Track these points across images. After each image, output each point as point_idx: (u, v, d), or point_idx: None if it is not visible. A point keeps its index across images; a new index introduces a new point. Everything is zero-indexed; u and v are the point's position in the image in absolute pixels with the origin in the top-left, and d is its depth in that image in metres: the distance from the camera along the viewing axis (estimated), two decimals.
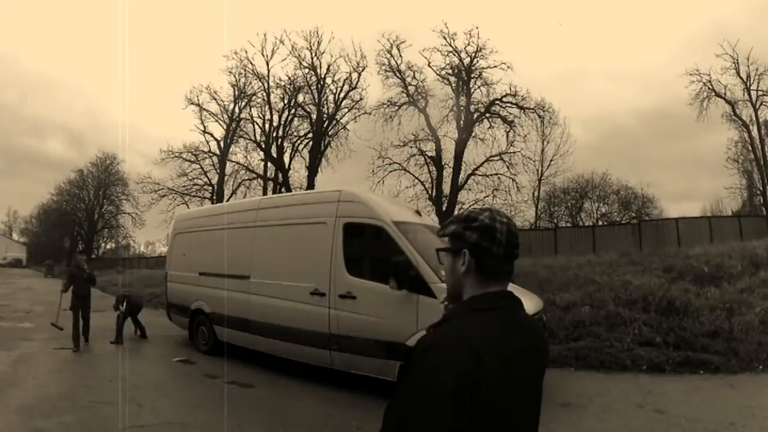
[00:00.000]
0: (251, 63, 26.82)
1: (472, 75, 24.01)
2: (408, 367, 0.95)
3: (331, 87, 26.63)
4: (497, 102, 23.76)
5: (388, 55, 24.51)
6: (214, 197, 28.13)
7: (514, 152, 23.60)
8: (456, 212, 23.99)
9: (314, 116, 26.86)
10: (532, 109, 23.46)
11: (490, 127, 23.97)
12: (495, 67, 23.35)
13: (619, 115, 40.55)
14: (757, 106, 23.99)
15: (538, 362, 1.07)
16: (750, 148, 24.92)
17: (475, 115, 24.08)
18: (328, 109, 26.76)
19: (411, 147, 24.28)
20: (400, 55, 24.54)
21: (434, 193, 24.22)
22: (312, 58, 26.21)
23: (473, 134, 23.99)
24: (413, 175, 24.42)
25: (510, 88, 23.31)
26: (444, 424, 0.86)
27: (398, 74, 24.59)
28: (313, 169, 26.57)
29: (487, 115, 24.00)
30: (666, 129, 38.25)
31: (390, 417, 0.94)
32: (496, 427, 0.93)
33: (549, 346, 1.29)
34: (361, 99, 26.18)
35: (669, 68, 38.77)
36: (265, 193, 26.56)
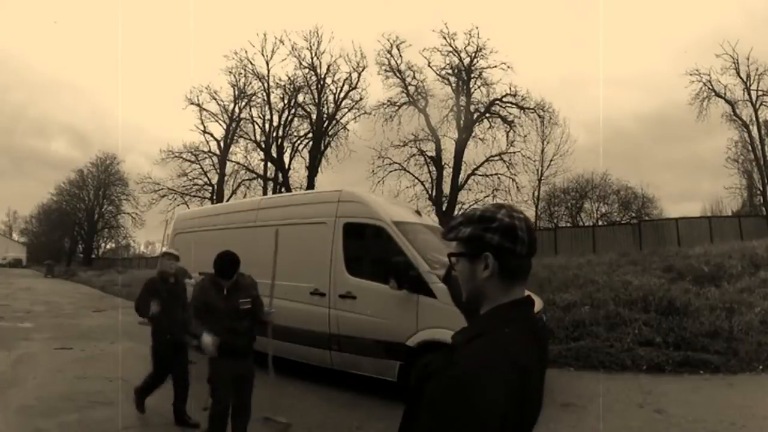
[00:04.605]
0: (251, 63, 26.89)
1: (472, 75, 24.04)
2: (451, 388, 0.86)
3: (331, 87, 26.72)
4: (497, 102, 23.78)
5: (388, 55, 24.57)
6: (214, 197, 28.13)
7: (514, 152, 23.64)
8: (456, 212, 24.04)
9: (314, 116, 26.88)
10: (532, 109, 23.50)
11: (490, 127, 24.02)
12: (495, 67, 23.41)
13: (621, 118, 40.63)
14: (757, 106, 23.99)
15: (545, 365, 1.06)
16: (750, 148, 24.93)
17: (475, 115, 24.09)
18: (328, 109, 26.82)
19: (411, 147, 24.34)
20: (400, 55, 24.61)
21: (434, 193, 24.22)
22: (312, 58, 26.28)
23: (473, 134, 24.03)
24: (413, 175, 24.48)
25: (510, 88, 23.37)
26: None
27: (398, 74, 24.64)
28: (313, 169, 26.58)
29: (487, 115, 24.02)
30: (666, 132, 38.39)
31: None
32: None
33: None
34: (361, 99, 26.27)
35: (670, 73, 38.82)
36: (265, 193, 26.56)
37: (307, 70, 26.42)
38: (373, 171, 24.48)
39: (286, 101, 27.22)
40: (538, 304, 5.35)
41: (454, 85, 24.44)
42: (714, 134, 39.15)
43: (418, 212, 6.44)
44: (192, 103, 27.91)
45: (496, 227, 0.99)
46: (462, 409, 0.83)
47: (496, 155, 23.75)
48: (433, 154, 24.29)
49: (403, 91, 24.70)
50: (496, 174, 23.68)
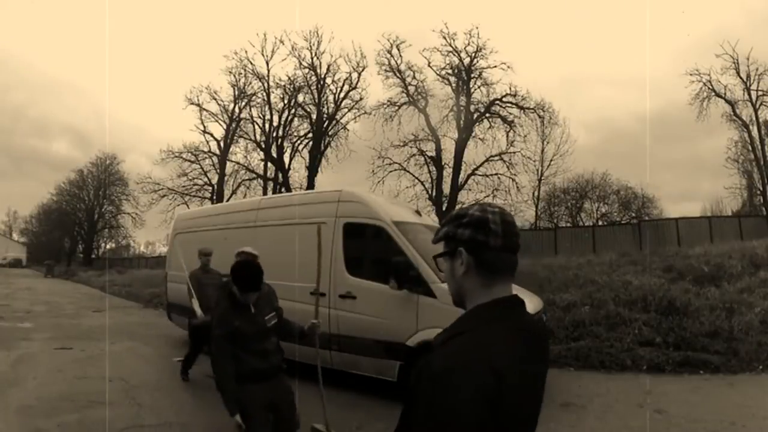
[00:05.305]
0: (251, 63, 26.87)
1: (472, 75, 24.01)
2: (427, 386, 0.87)
3: (331, 87, 26.66)
4: (497, 102, 23.75)
5: (388, 55, 24.50)
6: (214, 197, 28.13)
7: (514, 152, 23.61)
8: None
9: (314, 116, 26.85)
10: (532, 109, 23.46)
11: (490, 127, 23.96)
12: (495, 67, 23.35)
13: (621, 118, 40.64)
14: (757, 106, 23.97)
15: (544, 365, 1.04)
16: (750, 148, 24.93)
17: (475, 115, 24.06)
18: (328, 109, 26.78)
19: (411, 147, 24.29)
20: (400, 55, 24.53)
21: (434, 193, 24.21)
22: (312, 58, 26.23)
23: (473, 134, 24.00)
24: (413, 175, 24.43)
25: (510, 88, 23.31)
26: None
27: (398, 74, 24.59)
28: (313, 169, 26.56)
29: (487, 115, 23.99)
30: (667, 132, 38.41)
31: None
32: None
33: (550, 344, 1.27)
34: (361, 99, 26.22)
35: (670, 73, 38.74)
36: (265, 193, 26.55)
37: (307, 70, 26.42)
38: (373, 171, 24.49)
39: (286, 101, 27.23)
40: (538, 304, 5.36)
41: (454, 85, 24.43)
42: (714, 134, 39.20)
43: (418, 212, 6.44)
44: (192, 103, 27.91)
45: (467, 222, 1.00)
46: (435, 407, 0.84)
47: (496, 155, 23.74)
48: (433, 154, 24.28)
49: (403, 91, 24.69)
50: (496, 174, 23.67)
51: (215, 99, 27.91)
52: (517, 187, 23.54)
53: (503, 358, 0.88)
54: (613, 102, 38.93)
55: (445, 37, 23.85)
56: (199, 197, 28.73)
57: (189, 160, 28.46)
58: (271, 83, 26.96)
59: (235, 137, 28.54)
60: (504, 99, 23.61)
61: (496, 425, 0.85)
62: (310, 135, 27.04)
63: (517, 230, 1.03)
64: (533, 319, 1.07)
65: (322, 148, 26.69)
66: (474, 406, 0.83)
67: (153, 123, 65.55)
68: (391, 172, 24.44)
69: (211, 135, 28.81)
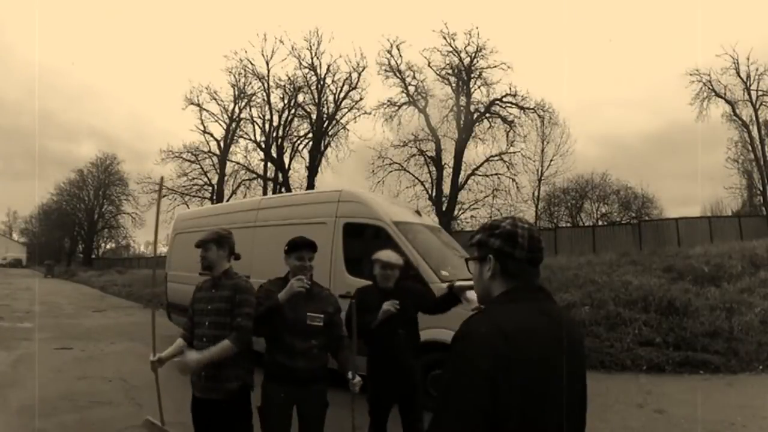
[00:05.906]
0: (251, 63, 26.89)
1: (472, 75, 24.01)
2: (449, 353, 1.03)
3: (331, 87, 26.67)
4: (497, 102, 23.75)
5: (388, 55, 24.53)
6: (214, 197, 28.13)
7: (514, 152, 23.62)
8: (456, 212, 24.08)
9: (314, 116, 26.86)
10: (532, 109, 23.47)
11: (490, 127, 23.96)
12: (495, 67, 23.38)
13: (627, 136, 40.52)
14: (757, 106, 23.97)
15: (572, 353, 1.08)
16: (750, 148, 24.93)
17: (475, 115, 24.05)
18: (328, 109, 26.79)
19: (411, 147, 24.30)
20: (400, 55, 24.55)
21: (434, 193, 24.20)
22: (312, 58, 26.26)
23: (473, 134, 23.99)
24: (413, 175, 24.43)
25: (510, 88, 23.33)
26: (479, 403, 0.92)
27: (398, 74, 24.60)
28: (313, 169, 26.58)
29: (487, 115, 23.99)
30: (671, 149, 38.43)
31: (439, 399, 1.01)
32: (531, 409, 0.96)
33: (584, 340, 1.31)
34: (361, 99, 26.24)
35: (676, 95, 38.68)
36: (265, 193, 26.55)
37: (307, 70, 26.45)
38: (373, 171, 24.51)
39: (286, 101, 27.24)
40: None
41: (454, 85, 24.41)
42: (718, 154, 39.13)
43: (418, 212, 6.43)
44: (192, 103, 27.94)
45: (498, 233, 1.13)
46: (455, 358, 1.00)
47: (496, 155, 23.73)
48: (433, 154, 24.26)
49: (403, 91, 24.70)
50: (496, 174, 23.66)
51: (215, 99, 27.97)
52: (517, 187, 23.57)
53: (514, 325, 1.00)
54: (620, 121, 38.86)
55: (445, 37, 23.89)
56: (199, 197, 28.76)
57: (189, 160, 28.50)
58: (271, 83, 27.02)
59: (235, 137, 28.57)
60: (504, 99, 23.62)
61: (506, 379, 0.93)
62: (310, 135, 27.06)
63: (542, 246, 1.15)
64: (556, 306, 1.16)
65: (322, 148, 26.70)
66: (482, 363, 0.94)
67: (152, 122, 65.64)
68: (391, 172, 24.48)
69: (211, 135, 28.87)
